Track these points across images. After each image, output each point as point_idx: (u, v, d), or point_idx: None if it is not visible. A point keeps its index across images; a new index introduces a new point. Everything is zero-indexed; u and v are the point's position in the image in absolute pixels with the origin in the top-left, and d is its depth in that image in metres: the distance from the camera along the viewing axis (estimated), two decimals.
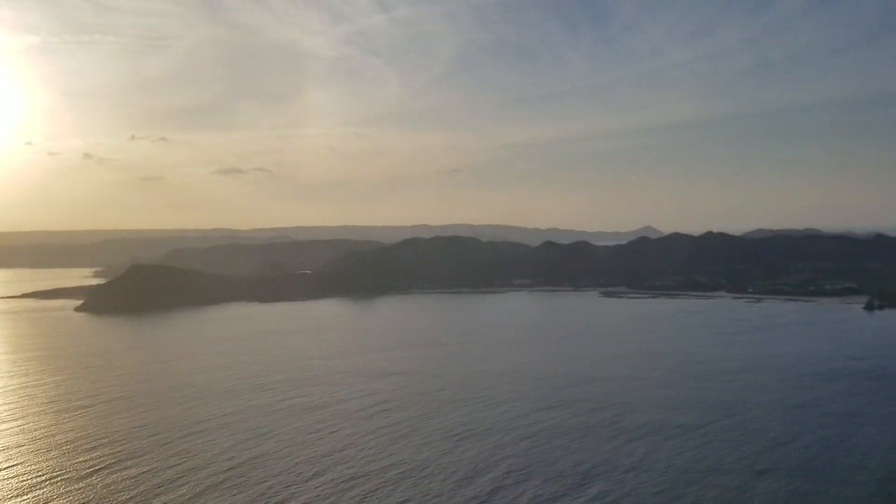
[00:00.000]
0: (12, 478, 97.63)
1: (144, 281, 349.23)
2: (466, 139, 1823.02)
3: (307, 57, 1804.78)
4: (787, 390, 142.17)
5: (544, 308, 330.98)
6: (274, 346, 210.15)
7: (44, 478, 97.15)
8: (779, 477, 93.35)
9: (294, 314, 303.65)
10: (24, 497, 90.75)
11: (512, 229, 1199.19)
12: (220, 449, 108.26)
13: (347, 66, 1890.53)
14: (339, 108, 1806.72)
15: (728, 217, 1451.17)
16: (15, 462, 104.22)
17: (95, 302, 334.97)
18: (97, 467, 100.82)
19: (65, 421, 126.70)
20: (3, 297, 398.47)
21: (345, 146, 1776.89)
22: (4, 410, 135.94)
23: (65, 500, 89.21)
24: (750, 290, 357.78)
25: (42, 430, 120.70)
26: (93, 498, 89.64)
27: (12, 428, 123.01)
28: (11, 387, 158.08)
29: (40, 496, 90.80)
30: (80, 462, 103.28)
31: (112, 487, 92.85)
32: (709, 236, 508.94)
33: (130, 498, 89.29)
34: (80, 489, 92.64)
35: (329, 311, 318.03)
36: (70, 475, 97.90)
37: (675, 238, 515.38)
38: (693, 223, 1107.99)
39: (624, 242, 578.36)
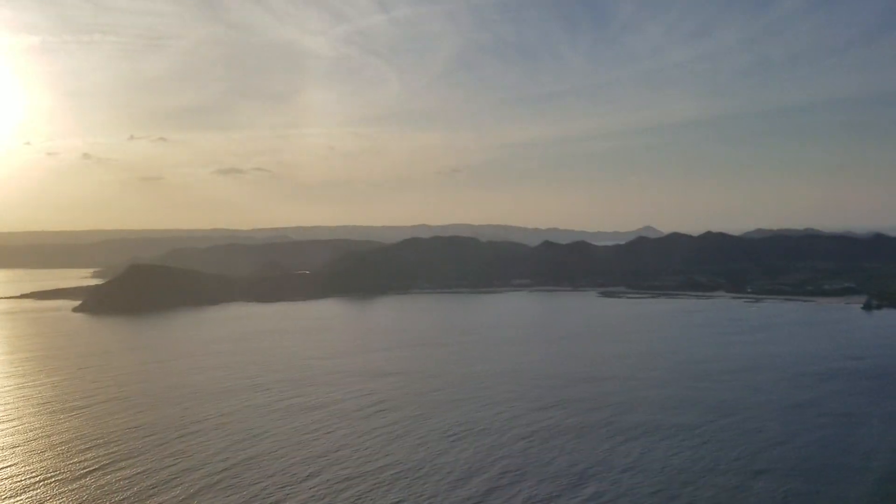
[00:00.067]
0: (6, 479, 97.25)
1: (143, 281, 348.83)
2: (466, 139, 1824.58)
3: (307, 57, 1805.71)
4: (785, 390, 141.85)
5: (543, 308, 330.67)
6: (272, 346, 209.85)
7: (38, 479, 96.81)
8: (775, 477, 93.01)
9: (293, 314, 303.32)
10: (18, 498, 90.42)
11: (511, 229, 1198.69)
12: (216, 449, 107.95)
13: (347, 65, 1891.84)
14: (338, 108, 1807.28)
15: (727, 217, 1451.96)
16: (9, 463, 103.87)
17: (94, 302, 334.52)
18: (91, 468, 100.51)
19: (60, 422, 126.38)
20: (1, 298, 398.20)
21: (344, 146, 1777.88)
22: (0, 411, 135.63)
23: (58, 502, 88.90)
24: (749, 290, 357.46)
25: (37, 431, 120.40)
26: (86, 499, 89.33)
27: (7, 429, 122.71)
28: (7, 387, 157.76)
29: (34, 497, 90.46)
30: (75, 463, 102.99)
31: (106, 488, 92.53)
32: (708, 236, 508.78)
33: (124, 499, 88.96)
34: (73, 490, 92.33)
35: (328, 311, 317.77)
36: (64, 476, 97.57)
37: (675, 238, 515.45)
38: (692, 223, 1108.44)
39: (623, 242, 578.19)
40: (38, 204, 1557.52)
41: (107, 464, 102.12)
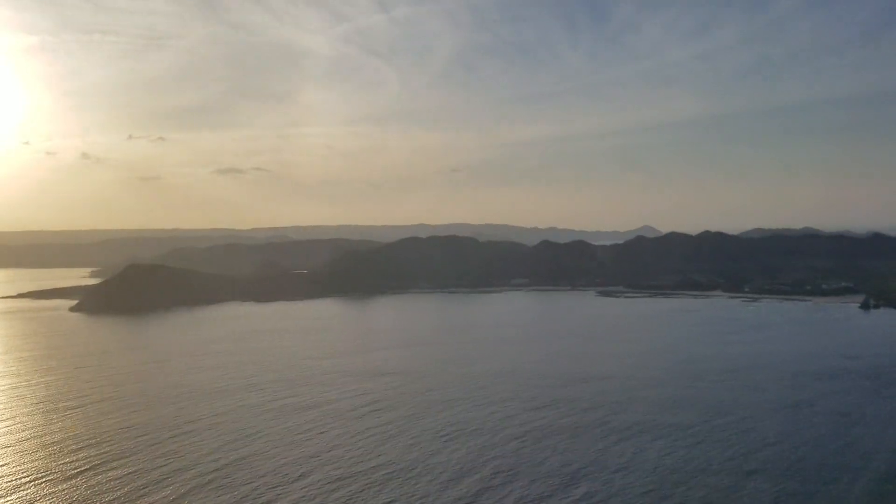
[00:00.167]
0: None
1: (141, 280, 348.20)
2: (466, 139, 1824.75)
3: (306, 56, 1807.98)
4: (782, 390, 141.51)
5: (541, 307, 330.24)
6: (270, 346, 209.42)
7: (28, 479, 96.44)
8: (768, 477, 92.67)
9: (292, 314, 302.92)
10: (8, 498, 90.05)
11: (511, 229, 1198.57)
12: (208, 449, 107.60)
13: (347, 65, 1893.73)
14: (338, 108, 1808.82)
15: (725, 216, 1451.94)
16: (0, 463, 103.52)
17: (91, 302, 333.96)
18: (83, 468, 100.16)
19: (53, 421, 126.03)
20: None
21: (344, 145, 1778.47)
22: None
23: (48, 502, 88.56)
24: (747, 290, 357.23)
25: (30, 431, 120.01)
26: (77, 499, 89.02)
27: (0, 429, 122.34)
28: (2, 387, 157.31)
29: (24, 497, 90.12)
30: (66, 463, 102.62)
31: (96, 489, 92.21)
32: (706, 236, 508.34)
33: (115, 499, 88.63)
34: (64, 490, 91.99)
35: (326, 311, 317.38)
36: (55, 476, 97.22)
37: (673, 237, 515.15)
38: (691, 222, 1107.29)
39: (622, 242, 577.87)
40: (37, 203, 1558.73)
41: (98, 464, 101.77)
